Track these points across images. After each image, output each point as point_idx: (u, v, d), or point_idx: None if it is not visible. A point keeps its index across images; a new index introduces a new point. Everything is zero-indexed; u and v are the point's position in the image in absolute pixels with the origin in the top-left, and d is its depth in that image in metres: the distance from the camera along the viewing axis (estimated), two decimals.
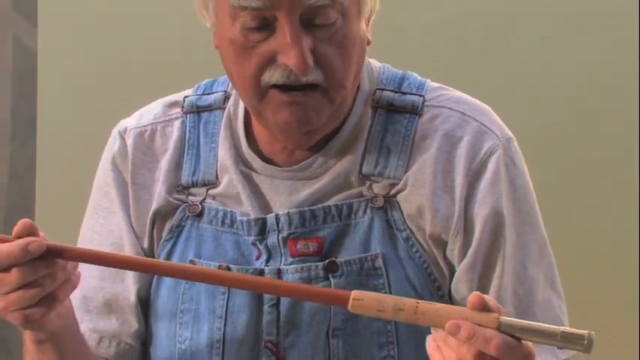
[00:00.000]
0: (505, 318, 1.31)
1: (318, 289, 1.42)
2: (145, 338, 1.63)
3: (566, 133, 2.85)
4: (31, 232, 1.41)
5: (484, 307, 1.31)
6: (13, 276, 1.39)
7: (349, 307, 1.34)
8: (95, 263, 1.46)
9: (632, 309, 2.78)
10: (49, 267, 1.41)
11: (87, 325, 1.60)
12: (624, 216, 2.85)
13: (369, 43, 1.55)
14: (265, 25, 1.48)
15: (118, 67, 2.83)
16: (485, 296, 1.32)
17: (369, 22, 1.56)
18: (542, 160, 2.79)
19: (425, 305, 1.33)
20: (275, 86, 1.49)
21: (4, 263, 1.39)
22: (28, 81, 2.94)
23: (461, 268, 1.55)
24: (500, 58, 2.83)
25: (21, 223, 1.41)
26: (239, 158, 1.59)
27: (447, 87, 1.62)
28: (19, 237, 1.40)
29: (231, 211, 1.58)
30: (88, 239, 1.64)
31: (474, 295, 1.32)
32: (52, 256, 1.41)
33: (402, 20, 2.72)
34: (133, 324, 1.60)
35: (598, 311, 2.74)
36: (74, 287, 1.45)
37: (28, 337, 1.51)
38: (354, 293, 1.34)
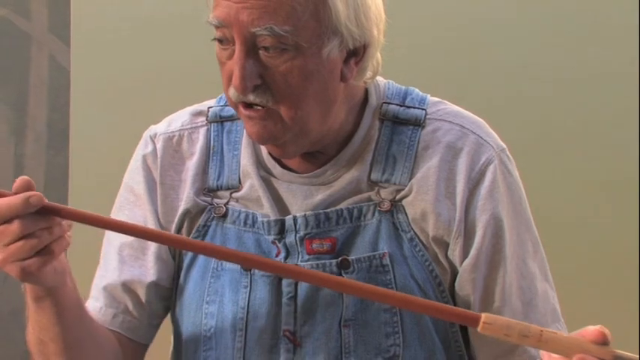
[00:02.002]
0: (619, 352, 1.30)
1: (447, 308, 1.36)
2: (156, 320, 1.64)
3: (566, 135, 2.81)
4: (29, 188, 1.39)
5: (604, 342, 1.29)
6: (15, 227, 1.36)
7: (479, 329, 1.31)
8: (88, 223, 1.43)
9: (632, 309, 2.73)
10: (46, 221, 1.38)
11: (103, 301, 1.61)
12: (624, 217, 2.79)
13: (344, 79, 1.52)
14: (229, 43, 1.48)
15: (143, 82, 2.83)
16: (606, 331, 1.30)
17: (358, 63, 1.52)
18: (543, 163, 2.78)
19: (548, 334, 1.31)
20: (239, 102, 1.50)
21: (6, 215, 1.36)
22: (62, 96, 2.94)
23: (464, 269, 1.55)
24: (495, 67, 2.82)
25: (19, 180, 1.39)
26: (260, 165, 1.59)
27: (445, 101, 1.62)
28: (17, 193, 1.38)
29: (252, 213, 1.58)
30: (114, 232, 1.62)
31: (598, 331, 1.29)
32: (49, 213, 1.38)
33: (400, 39, 2.72)
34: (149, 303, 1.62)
35: (598, 312, 2.69)
36: (68, 244, 1.42)
37: (28, 294, 1.49)
38: (485, 316, 1.31)
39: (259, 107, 1.48)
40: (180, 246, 1.53)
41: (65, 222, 1.41)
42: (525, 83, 2.79)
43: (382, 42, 1.54)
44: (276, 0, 1.44)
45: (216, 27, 1.48)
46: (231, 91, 1.48)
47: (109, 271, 1.62)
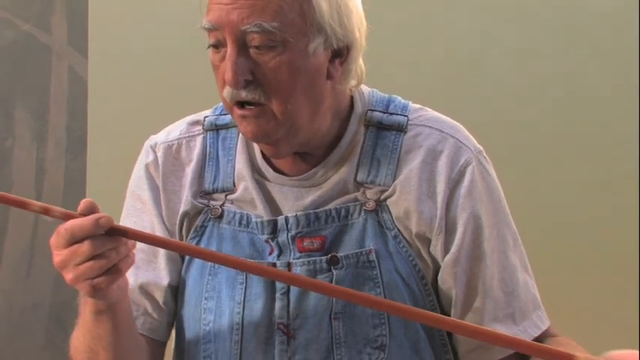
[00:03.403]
0: None
1: (540, 346, 1.37)
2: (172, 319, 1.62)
3: (566, 136, 2.74)
4: (93, 209, 1.39)
5: None
6: (85, 248, 1.36)
7: None
8: (151, 244, 1.46)
9: (632, 309, 2.64)
10: (114, 241, 1.38)
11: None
12: (624, 217, 2.71)
13: (330, 77, 1.52)
14: (221, 46, 1.48)
15: (156, 91, 2.82)
16: None
17: (342, 63, 1.52)
18: (543, 164, 2.73)
19: None
20: (234, 103, 1.49)
21: (78, 236, 1.36)
22: (80, 104, 2.94)
23: (446, 263, 1.54)
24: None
25: (84, 202, 1.39)
26: (254, 169, 1.58)
27: (425, 108, 1.62)
28: (82, 213, 1.38)
29: (247, 214, 1.57)
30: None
31: None
32: (116, 233, 1.39)
33: (394, 54, 2.71)
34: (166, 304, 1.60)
35: (598, 312, 2.65)
36: (132, 262, 1.43)
37: (88, 308, 1.48)
38: (577, 357, 1.30)
39: (252, 107, 1.48)
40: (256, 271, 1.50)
41: (130, 241, 1.41)
42: (526, 84, 2.74)
43: (364, 46, 1.54)
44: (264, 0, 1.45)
45: (210, 30, 1.48)
46: (226, 91, 1.48)
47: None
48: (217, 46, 1.48)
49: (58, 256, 1.39)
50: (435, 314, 1.43)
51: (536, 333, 1.57)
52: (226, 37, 1.46)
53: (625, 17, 2.70)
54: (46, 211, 1.40)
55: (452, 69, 2.75)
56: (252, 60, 1.46)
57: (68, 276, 1.39)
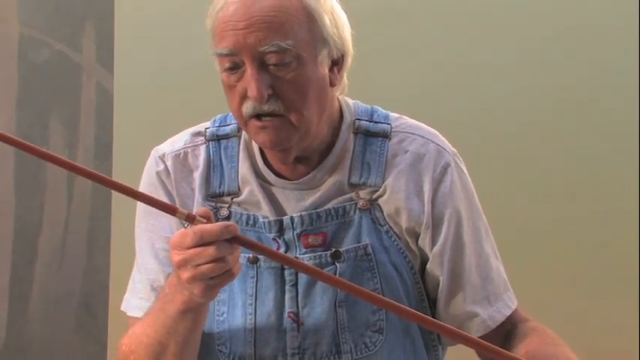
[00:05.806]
0: None
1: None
2: None
3: (567, 136, 2.64)
4: (210, 216, 1.36)
5: None
6: (211, 251, 1.33)
7: None
8: (268, 256, 1.45)
9: (632, 309, 2.54)
10: (233, 247, 1.35)
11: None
12: (624, 217, 2.61)
13: (332, 84, 1.53)
14: (238, 68, 1.47)
15: (173, 104, 2.84)
16: None
17: (340, 70, 1.54)
18: (542, 165, 2.65)
19: None
20: (251, 116, 1.48)
21: (206, 239, 1.33)
22: (107, 115, 2.96)
23: (434, 254, 1.56)
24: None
25: (204, 210, 1.36)
26: (257, 174, 1.58)
27: (403, 116, 1.63)
28: (202, 216, 1.35)
29: (253, 215, 1.57)
30: (142, 237, 1.61)
31: None
32: (235, 241, 1.35)
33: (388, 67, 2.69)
34: None
35: (598, 313, 2.57)
36: (240, 267, 1.40)
37: (175, 305, 1.43)
38: None
39: (271, 118, 1.48)
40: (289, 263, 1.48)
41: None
42: (527, 86, 2.66)
43: (352, 53, 1.56)
44: (277, 21, 1.45)
45: (226, 56, 1.47)
46: (246, 107, 1.48)
47: (151, 272, 1.58)
48: (233, 68, 1.47)
49: (180, 255, 1.35)
50: (418, 313, 1.41)
51: (508, 312, 1.59)
52: (244, 59, 1.45)
53: (625, 27, 2.62)
54: (189, 218, 1.36)
55: (452, 76, 2.70)
56: (272, 75, 1.46)
57: (185, 274, 1.35)
